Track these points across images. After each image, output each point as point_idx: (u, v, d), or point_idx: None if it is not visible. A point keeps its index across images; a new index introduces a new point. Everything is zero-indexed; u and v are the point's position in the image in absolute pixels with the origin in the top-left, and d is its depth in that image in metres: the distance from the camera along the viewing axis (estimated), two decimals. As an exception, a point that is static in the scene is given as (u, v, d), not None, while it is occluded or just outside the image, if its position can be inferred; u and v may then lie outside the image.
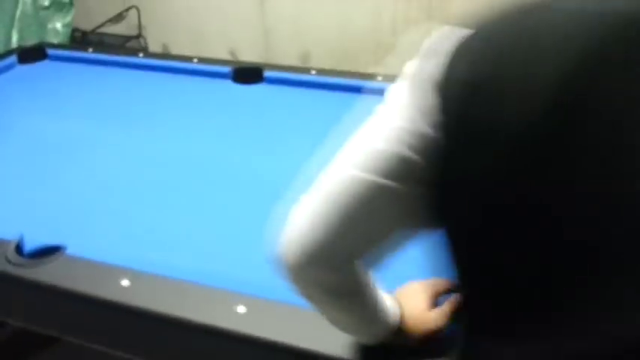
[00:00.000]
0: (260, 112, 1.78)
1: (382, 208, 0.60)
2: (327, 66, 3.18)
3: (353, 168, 0.60)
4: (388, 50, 3.16)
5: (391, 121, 0.59)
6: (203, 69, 1.98)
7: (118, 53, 2.30)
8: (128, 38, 3.47)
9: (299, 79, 1.88)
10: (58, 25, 3.02)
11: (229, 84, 1.92)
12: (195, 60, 2.03)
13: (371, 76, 1.84)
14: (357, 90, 1.80)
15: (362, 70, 3.15)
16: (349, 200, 0.59)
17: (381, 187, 0.58)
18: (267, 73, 1.91)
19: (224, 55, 3.40)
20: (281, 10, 3.28)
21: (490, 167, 0.52)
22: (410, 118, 0.57)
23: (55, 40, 2.93)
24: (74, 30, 3.22)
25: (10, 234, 1.15)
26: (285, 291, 0.99)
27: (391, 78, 1.90)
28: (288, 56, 3.35)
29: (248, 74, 1.92)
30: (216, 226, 1.26)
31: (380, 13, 3.07)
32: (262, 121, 1.72)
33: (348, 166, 0.61)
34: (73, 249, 1.12)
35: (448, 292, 0.83)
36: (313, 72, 1.90)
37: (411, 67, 0.60)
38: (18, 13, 2.86)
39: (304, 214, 0.63)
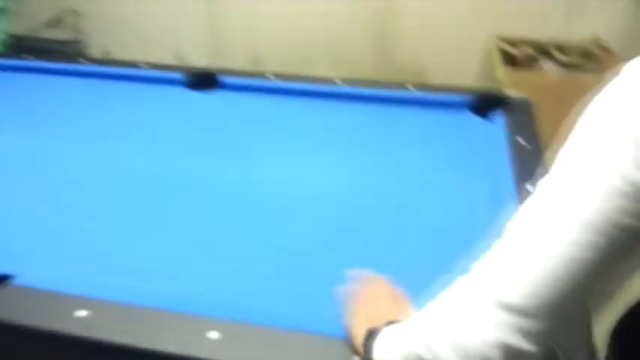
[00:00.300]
0: (218, 120, 1.70)
1: (613, 275, 0.55)
2: (278, 69, 3.14)
3: (570, 245, 0.53)
4: (340, 52, 3.14)
5: (598, 184, 0.52)
6: (153, 75, 1.88)
7: (56, 60, 2.15)
8: (67, 43, 3.29)
9: (256, 84, 1.82)
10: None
11: (182, 91, 1.83)
12: (143, 66, 1.93)
13: (330, 81, 1.80)
14: (315, 95, 1.77)
15: (314, 72, 3.13)
16: (575, 279, 0.54)
17: (605, 264, 0.53)
18: (222, 79, 1.83)
19: (170, 60, 3.28)
20: (230, 11, 3.19)
21: None
22: (626, 177, 0.50)
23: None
24: (10, 36, 3.02)
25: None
26: (261, 313, 0.95)
27: (350, 82, 1.85)
28: (238, 59, 3.27)
29: (202, 80, 1.83)
30: (183, 246, 1.18)
31: (331, 14, 3.04)
32: (221, 130, 1.64)
33: (565, 243, 0.54)
34: (23, 278, 1.02)
35: None
36: (271, 76, 1.83)
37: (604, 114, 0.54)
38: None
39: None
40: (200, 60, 3.31)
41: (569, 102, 2.54)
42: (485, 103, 1.65)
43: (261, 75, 1.86)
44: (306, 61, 3.16)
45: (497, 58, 2.75)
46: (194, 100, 1.78)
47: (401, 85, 1.76)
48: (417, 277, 1.06)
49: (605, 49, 2.82)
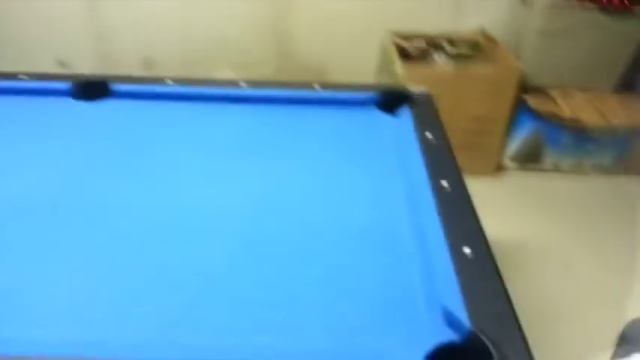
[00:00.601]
0: (110, 133, 1.55)
1: None
2: (173, 73, 3.00)
3: None
4: (238, 53, 3.05)
5: None
6: (34, 87, 1.69)
7: None
8: None
9: (152, 90, 1.69)
10: None
11: (69, 102, 1.66)
12: (23, 77, 1.73)
13: (233, 84, 1.72)
14: (218, 99, 1.68)
15: (212, 75, 3.02)
16: None
17: None
18: (113, 87, 1.69)
19: (52, 68, 3.02)
20: (116, 12, 2.98)
21: None
22: None
23: None
24: None
25: None
26: (181, 347, 0.87)
27: (254, 84, 1.77)
28: (128, 64, 3.07)
29: (91, 89, 1.68)
30: (84, 282, 1.05)
31: (226, 13, 2.94)
32: (115, 144, 1.50)
33: None
34: None
35: None
36: (168, 81, 1.72)
37: None
38: None
39: None
40: (86, 66, 3.07)
41: (461, 91, 2.64)
42: (391, 100, 1.66)
43: (157, 80, 1.73)
44: (202, 63, 3.04)
45: (393, 52, 2.81)
46: (83, 112, 1.63)
47: (307, 85, 1.73)
48: (341, 284, 1.04)
49: (490, 40, 2.98)
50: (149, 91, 1.69)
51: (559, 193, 2.86)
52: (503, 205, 2.65)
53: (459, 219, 1.15)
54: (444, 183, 1.27)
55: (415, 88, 1.74)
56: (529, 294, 2.02)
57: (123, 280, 1.04)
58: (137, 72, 3.05)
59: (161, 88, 1.70)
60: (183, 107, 1.66)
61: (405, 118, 1.59)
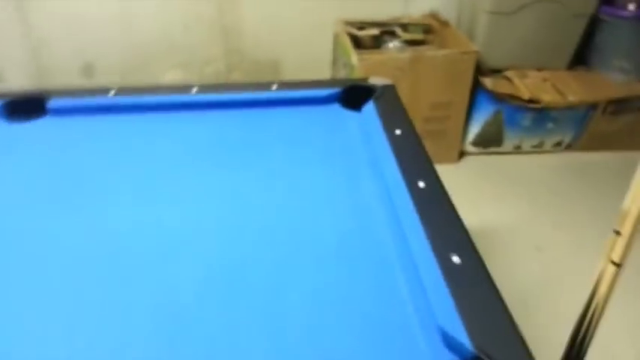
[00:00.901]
0: (49, 155, 1.39)
1: None
2: (116, 77, 2.81)
3: None
4: (185, 53, 2.89)
5: None
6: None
7: None
8: None
9: (93, 103, 1.54)
10: None
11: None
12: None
13: (183, 89, 1.59)
14: (168, 107, 1.55)
15: (159, 78, 2.86)
16: None
17: None
18: (49, 102, 1.53)
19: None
20: (49, 16, 2.76)
21: None
22: None
23: None
24: None
25: None
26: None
27: (207, 88, 1.63)
28: (66, 73, 2.86)
29: (24, 107, 1.51)
30: (28, 330, 0.91)
31: (168, 11, 2.77)
32: (56, 167, 1.34)
33: None
34: None
35: None
36: (111, 92, 1.57)
37: None
38: None
39: None
40: (21, 78, 2.85)
41: (418, 78, 2.57)
42: (354, 95, 1.57)
43: (98, 91, 1.58)
44: (147, 66, 2.86)
45: (347, 42, 2.71)
46: (16, 134, 1.46)
47: (264, 86, 1.61)
48: (328, 307, 0.93)
49: (443, 23, 2.93)
50: (89, 104, 1.54)
51: (523, 175, 2.85)
52: (468, 192, 2.61)
53: (442, 222, 1.07)
54: (421, 183, 1.18)
55: (377, 79, 1.65)
56: (505, 279, 1.99)
57: (69, 333, 0.91)
58: (77, 80, 2.85)
59: (104, 100, 1.55)
60: (130, 119, 1.52)
61: (370, 114, 1.50)
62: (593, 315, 1.18)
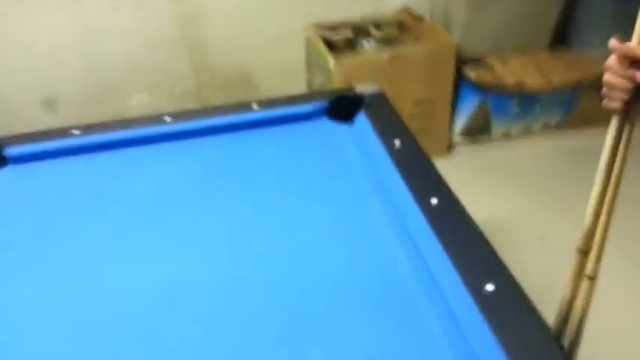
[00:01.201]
0: (9, 214, 1.23)
1: None
2: (80, 109, 2.64)
3: None
4: (152, 73, 2.73)
5: None
6: None
7: None
8: None
9: (56, 147, 1.39)
10: None
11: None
12: None
13: (156, 119, 1.45)
14: (139, 142, 1.40)
15: (127, 103, 2.69)
16: None
17: None
18: (9, 150, 1.37)
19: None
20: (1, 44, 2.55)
21: None
22: None
23: None
24: None
25: None
26: None
27: (181, 115, 1.45)
28: (27, 109, 2.68)
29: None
30: None
31: (130, 30, 2.61)
32: (15, 227, 1.18)
33: None
34: None
35: None
36: (76, 132, 1.42)
37: None
38: None
39: None
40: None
41: (398, 77, 2.44)
42: (342, 106, 1.45)
43: (62, 133, 1.42)
44: (113, 92, 2.70)
45: (320, 46, 2.59)
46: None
47: (243, 107, 1.47)
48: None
49: (416, 18, 2.83)
50: (54, 148, 1.38)
51: (515, 161, 2.77)
52: (462, 184, 2.49)
53: (467, 244, 0.95)
54: (434, 200, 1.06)
55: (364, 87, 1.53)
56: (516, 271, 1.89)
57: None
58: (38, 116, 2.67)
59: (68, 141, 1.40)
60: (100, 160, 1.37)
61: (362, 126, 1.38)
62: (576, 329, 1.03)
